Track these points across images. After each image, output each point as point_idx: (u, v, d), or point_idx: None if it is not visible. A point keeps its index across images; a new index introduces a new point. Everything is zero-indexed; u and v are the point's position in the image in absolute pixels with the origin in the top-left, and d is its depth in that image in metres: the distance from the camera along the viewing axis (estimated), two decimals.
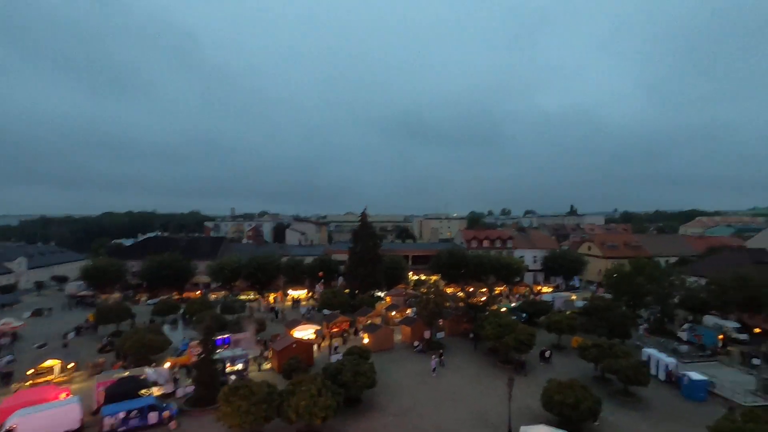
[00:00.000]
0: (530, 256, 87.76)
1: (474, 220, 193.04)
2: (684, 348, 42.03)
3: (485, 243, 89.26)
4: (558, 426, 24.38)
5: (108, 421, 26.54)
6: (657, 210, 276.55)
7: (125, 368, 35.17)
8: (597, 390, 29.44)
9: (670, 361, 35.61)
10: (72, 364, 37.68)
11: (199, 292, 73.02)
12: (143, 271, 69.70)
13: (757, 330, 47.02)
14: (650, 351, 37.77)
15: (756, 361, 37.88)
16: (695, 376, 32.64)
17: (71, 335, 47.96)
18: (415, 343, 43.15)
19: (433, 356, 38.11)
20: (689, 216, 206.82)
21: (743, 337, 45.06)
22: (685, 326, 47.03)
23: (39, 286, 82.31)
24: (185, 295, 71.19)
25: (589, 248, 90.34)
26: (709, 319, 49.18)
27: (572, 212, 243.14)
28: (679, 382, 33.49)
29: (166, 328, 46.35)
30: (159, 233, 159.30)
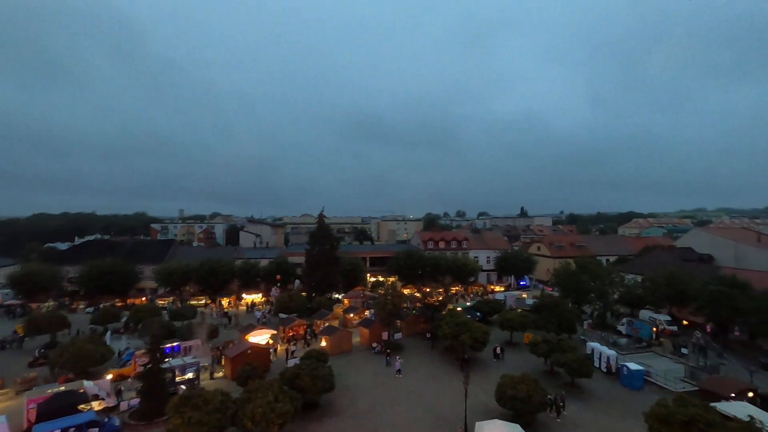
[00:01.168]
0: (484, 257, 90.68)
1: (430, 222, 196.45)
2: (623, 341, 45.19)
3: (441, 244, 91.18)
4: (512, 420, 25.32)
5: None
6: (599, 212, 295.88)
7: (71, 380, 32.69)
8: (546, 383, 30.94)
9: (611, 353, 38.10)
10: None
11: (144, 298, 68.99)
12: (81, 277, 64.66)
13: (685, 322, 51.38)
14: (593, 344, 40.23)
15: (684, 351, 41.43)
16: (633, 366, 35.13)
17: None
18: (374, 345, 43.24)
19: (398, 357, 38.38)
20: (627, 218, 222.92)
21: (673, 328, 49.11)
22: (624, 320, 50.51)
23: None
24: (129, 301, 67.00)
25: (539, 248, 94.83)
26: (645, 314, 53.15)
27: (523, 214, 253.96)
28: (619, 373, 35.92)
29: (107, 337, 43.40)
30: (100, 236, 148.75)
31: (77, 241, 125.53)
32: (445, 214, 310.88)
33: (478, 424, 24.26)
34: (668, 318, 51.02)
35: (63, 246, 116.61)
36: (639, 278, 57.53)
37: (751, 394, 29.38)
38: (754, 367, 35.77)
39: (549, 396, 28.84)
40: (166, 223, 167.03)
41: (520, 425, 24.18)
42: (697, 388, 32.07)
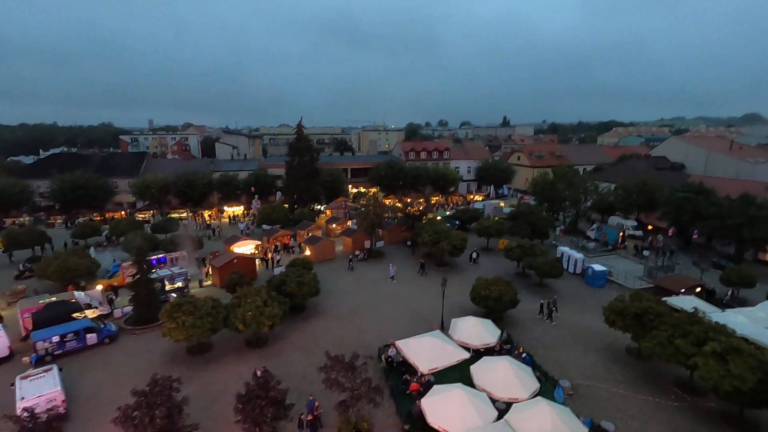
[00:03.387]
0: (465, 167, 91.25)
1: (412, 132, 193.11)
2: (591, 245, 48.17)
3: (423, 154, 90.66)
4: (484, 316, 27.66)
5: (41, 346, 25.63)
6: (580, 121, 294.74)
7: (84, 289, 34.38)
8: (517, 284, 33.30)
9: (579, 256, 40.80)
10: None
11: (123, 212, 68.27)
12: (54, 191, 62.74)
13: (650, 227, 54.61)
14: (564, 249, 42.82)
15: (646, 253, 44.70)
16: (597, 267, 37.97)
17: None
18: (357, 253, 44.94)
19: (391, 264, 39.94)
20: (608, 127, 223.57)
21: (638, 233, 52.29)
22: (594, 226, 53.33)
23: None
24: (108, 215, 66.31)
25: (519, 158, 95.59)
26: (613, 220, 56.04)
27: (505, 123, 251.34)
28: (585, 273, 38.87)
29: (91, 251, 43.64)
30: (66, 149, 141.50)
31: (42, 154, 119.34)
32: (427, 124, 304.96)
33: (453, 320, 26.48)
34: (635, 223, 54.02)
35: (28, 159, 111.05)
36: (613, 186, 59.53)
37: (698, 290, 32.55)
38: (705, 266, 39.16)
39: (541, 301, 31.26)
40: (136, 134, 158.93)
41: (492, 321, 26.57)
42: (652, 285, 35.25)
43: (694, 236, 46.81)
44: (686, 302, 27.60)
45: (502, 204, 67.21)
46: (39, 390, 20.27)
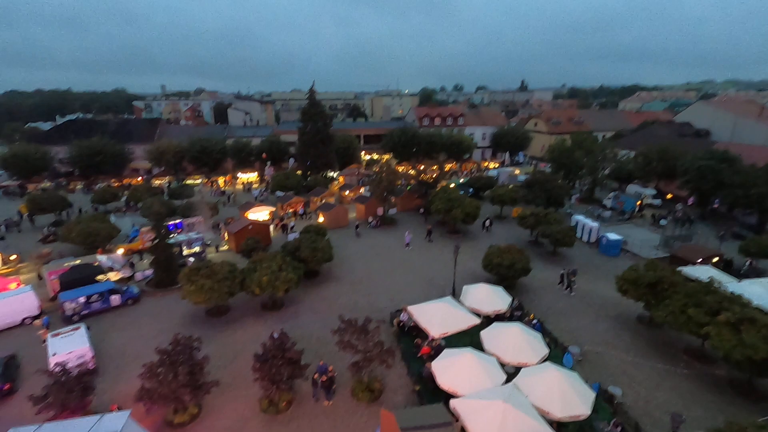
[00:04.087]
0: (480, 133, 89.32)
1: (426, 97, 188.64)
2: (607, 214, 47.44)
3: (437, 120, 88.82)
4: (496, 284, 27.84)
5: (69, 306, 26.90)
6: (602, 85, 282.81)
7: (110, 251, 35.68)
8: (530, 252, 33.21)
9: (594, 225, 40.30)
10: (14, 256, 36.30)
11: (140, 178, 69.33)
12: (72, 157, 63.93)
13: (670, 195, 53.36)
14: (579, 217, 42.28)
15: (663, 222, 43.88)
16: (612, 236, 37.52)
17: (2, 228, 45.15)
18: (369, 219, 45.18)
19: (408, 231, 40.24)
20: (631, 91, 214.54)
21: (657, 202, 51.19)
22: (611, 195, 52.32)
23: None
24: (125, 181, 67.45)
25: (536, 124, 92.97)
26: (632, 188, 54.80)
27: (523, 88, 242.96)
28: (599, 242, 38.51)
29: (111, 217, 44.75)
30: (81, 115, 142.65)
31: (59, 120, 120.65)
32: (442, 89, 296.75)
33: (465, 287, 26.72)
34: (654, 192, 52.77)
35: (46, 126, 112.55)
36: (632, 154, 57.86)
37: (716, 259, 32.05)
38: (725, 236, 38.34)
39: (561, 271, 31.13)
40: (149, 100, 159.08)
41: (503, 288, 26.76)
42: (668, 255, 34.81)
43: (715, 205, 45.62)
44: (702, 272, 27.25)
45: (517, 171, 66.13)
46: (69, 346, 21.43)
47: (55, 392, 16.92)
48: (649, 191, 52.82)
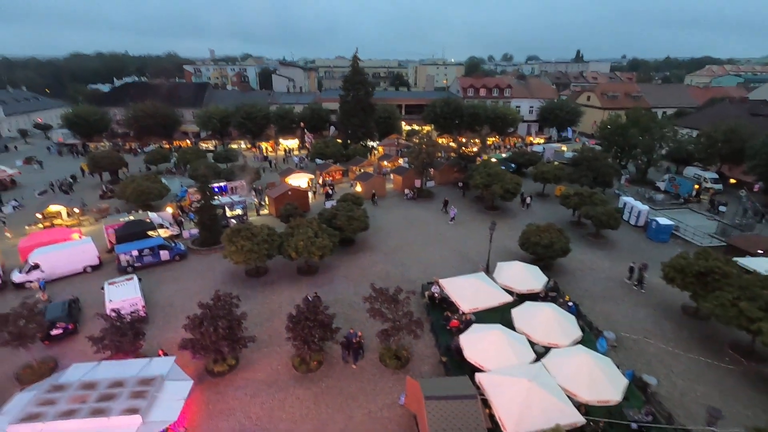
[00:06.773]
0: (527, 106, 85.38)
1: (473, 67, 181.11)
2: (659, 197, 44.59)
3: (482, 92, 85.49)
4: (532, 263, 27.21)
5: (124, 258, 29.08)
6: (668, 56, 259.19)
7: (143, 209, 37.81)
8: (571, 233, 32.01)
9: (643, 208, 38.05)
10: (77, 209, 39.38)
11: (189, 141, 72.22)
12: (128, 119, 67.45)
13: (733, 181, 49.17)
14: (627, 199, 40.03)
15: (722, 208, 40.68)
16: (662, 220, 35.33)
17: (68, 182, 48.86)
18: (406, 191, 44.99)
19: (453, 207, 39.50)
20: (700, 64, 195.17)
21: (718, 187, 47.32)
22: (666, 177, 48.93)
23: (23, 134, 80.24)
24: (175, 143, 70.52)
25: (588, 98, 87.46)
26: (690, 170, 50.89)
27: (578, 58, 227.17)
28: (647, 227, 36.44)
29: (162, 178, 47.24)
30: (137, 78, 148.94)
31: (116, 83, 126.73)
32: (490, 58, 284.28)
33: (499, 263, 26.36)
34: (715, 176, 48.77)
35: (105, 88, 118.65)
36: (695, 133, 53.38)
37: None
38: None
39: (631, 264, 28.57)
40: (198, 65, 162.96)
41: (540, 268, 26.11)
42: (724, 244, 32.48)
43: None
44: (761, 264, 25.33)
45: (564, 148, 62.97)
46: (123, 294, 23.33)
47: (111, 335, 18.61)
48: (710, 174, 48.83)
